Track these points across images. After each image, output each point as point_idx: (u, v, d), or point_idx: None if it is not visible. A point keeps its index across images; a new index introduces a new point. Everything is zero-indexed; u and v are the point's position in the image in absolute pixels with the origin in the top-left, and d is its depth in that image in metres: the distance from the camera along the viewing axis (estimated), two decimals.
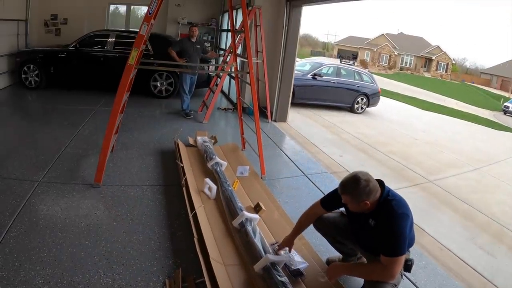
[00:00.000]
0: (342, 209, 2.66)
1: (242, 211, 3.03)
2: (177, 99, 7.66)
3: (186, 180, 3.60)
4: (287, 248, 2.72)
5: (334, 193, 2.55)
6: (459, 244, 3.65)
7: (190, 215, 3.11)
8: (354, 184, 2.20)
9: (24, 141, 5.29)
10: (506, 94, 39.50)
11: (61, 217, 3.27)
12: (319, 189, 4.48)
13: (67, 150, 4.93)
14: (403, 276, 2.50)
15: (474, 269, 3.29)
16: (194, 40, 6.93)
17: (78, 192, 3.76)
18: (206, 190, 3.47)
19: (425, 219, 4.12)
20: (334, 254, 3.03)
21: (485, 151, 9.12)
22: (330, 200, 2.62)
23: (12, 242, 2.87)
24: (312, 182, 4.58)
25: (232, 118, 7.74)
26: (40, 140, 5.21)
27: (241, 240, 2.83)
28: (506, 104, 28.18)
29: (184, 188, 3.55)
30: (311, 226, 2.82)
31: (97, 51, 8.30)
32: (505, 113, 26.55)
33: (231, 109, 8.10)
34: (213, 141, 4.93)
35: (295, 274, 2.66)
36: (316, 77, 10.75)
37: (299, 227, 2.75)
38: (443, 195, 5.06)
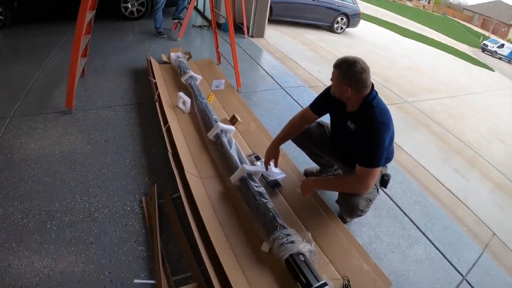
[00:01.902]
0: (320, 119, 2.41)
1: (217, 122, 2.74)
2: (149, 19, 7.00)
3: (159, 95, 3.26)
4: (272, 161, 2.46)
5: (323, 94, 2.28)
6: (434, 164, 3.59)
7: (164, 129, 2.83)
8: (351, 63, 1.94)
9: None
10: (486, 33, 38.88)
11: (35, 148, 3.00)
12: (296, 102, 4.22)
13: (37, 82, 4.49)
14: (379, 191, 2.33)
15: (448, 189, 3.23)
16: None
17: (50, 121, 3.46)
18: (180, 105, 3.16)
19: (402, 137, 4.03)
20: (312, 165, 2.84)
21: (463, 82, 8.97)
22: (319, 103, 2.32)
23: None
24: (290, 95, 4.30)
25: (207, 35, 7.18)
26: (8, 78, 4.74)
27: (216, 152, 2.59)
28: (485, 42, 27.96)
29: (157, 104, 3.22)
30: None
31: None
32: (483, 51, 26.41)
33: (206, 26, 7.50)
34: (187, 56, 4.52)
35: (273, 185, 2.48)
36: None
37: (286, 134, 2.45)
38: (420, 117, 4.97)
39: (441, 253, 2.49)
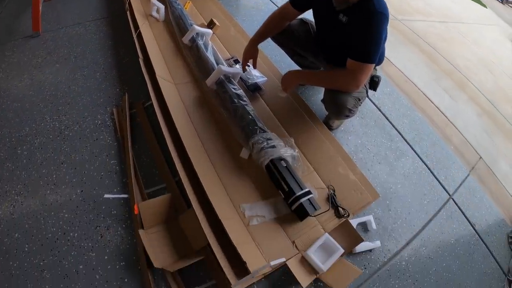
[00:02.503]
0: (304, 16, 2.14)
1: (192, 26, 2.46)
2: None
3: (130, 3, 2.93)
4: (251, 63, 2.21)
5: None
6: (423, 81, 3.37)
7: (134, 35, 2.55)
8: None
9: None
10: None
11: (3, 77, 2.78)
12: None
13: (2, 11, 4.11)
14: (368, 94, 2.14)
15: (437, 107, 3.05)
16: None
17: (18, 47, 3.18)
18: (154, 13, 2.86)
19: (392, 51, 3.72)
20: (295, 68, 2.61)
21: (455, 11, 8.40)
22: None
23: None
24: (273, 3, 3.91)
25: None
26: None
27: (192, 57, 2.34)
28: None
29: (128, 13, 2.91)
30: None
31: None
32: None
33: None
34: None
35: (253, 89, 2.29)
36: None
37: (264, 32, 2.16)
38: (410, 35, 4.64)
39: (429, 168, 2.39)
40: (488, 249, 2.17)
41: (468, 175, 2.49)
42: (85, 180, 2.03)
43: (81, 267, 1.73)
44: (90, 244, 1.80)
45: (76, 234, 1.83)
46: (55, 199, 1.97)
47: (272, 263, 1.50)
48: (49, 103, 2.47)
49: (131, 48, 2.69)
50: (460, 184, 2.40)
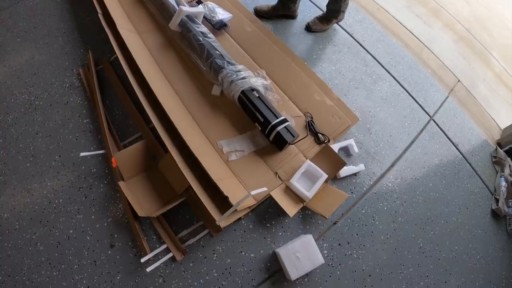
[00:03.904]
0: None
1: None
2: None
3: None
4: (213, 3, 2.11)
5: None
6: (396, 9, 3.23)
7: None
8: None
9: None
10: None
11: None
12: None
13: None
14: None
15: (411, 32, 2.93)
16: None
17: None
18: None
19: None
20: (261, 3, 2.52)
21: None
22: None
23: None
24: None
25: None
26: None
27: (153, 5, 2.21)
28: None
29: None
30: None
31: None
32: None
33: None
34: None
35: (219, 26, 2.19)
36: None
37: None
38: None
39: (407, 91, 2.34)
40: (473, 169, 2.16)
41: (448, 97, 2.44)
42: (62, 144, 1.98)
43: (71, 231, 1.73)
44: (76, 207, 1.79)
45: (61, 200, 1.81)
46: (35, 170, 1.93)
47: (253, 192, 1.46)
48: (15, 78, 2.37)
49: (90, 8, 2.56)
50: (440, 106, 2.36)
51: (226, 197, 1.48)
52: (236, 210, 1.48)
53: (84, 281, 1.61)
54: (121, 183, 1.64)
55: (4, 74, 2.44)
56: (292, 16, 2.49)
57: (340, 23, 2.50)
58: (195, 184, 1.52)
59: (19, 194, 1.87)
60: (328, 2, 2.33)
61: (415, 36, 2.90)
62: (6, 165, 1.97)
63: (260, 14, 2.44)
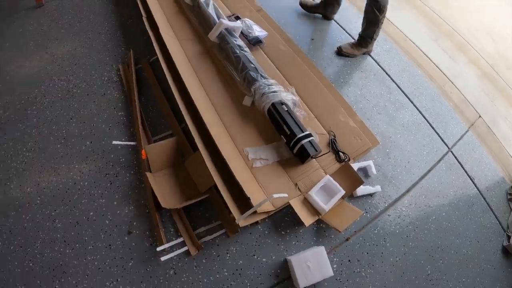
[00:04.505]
0: None
1: None
2: None
3: None
4: (249, 19, 2.26)
5: None
6: (422, 41, 3.30)
7: None
8: None
9: None
10: None
11: (9, 44, 2.79)
12: None
13: None
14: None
15: (435, 65, 3.00)
16: None
17: (22, 18, 3.16)
18: None
19: (392, 10, 3.60)
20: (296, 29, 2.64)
21: None
22: None
23: None
24: None
25: None
26: None
27: (193, 15, 2.36)
28: None
29: None
30: None
31: None
32: None
33: None
34: None
35: (254, 42, 2.30)
36: None
37: None
38: None
39: (428, 122, 2.40)
40: (487, 204, 2.18)
41: (467, 131, 2.49)
42: (94, 132, 2.08)
43: (91, 213, 1.80)
44: (99, 191, 1.86)
45: (86, 183, 1.89)
46: (65, 151, 2.02)
47: (275, 195, 1.53)
48: (56, 65, 2.50)
49: (134, 11, 2.71)
50: (459, 139, 2.41)
51: (248, 198, 1.56)
52: (255, 212, 1.55)
53: (96, 263, 1.67)
54: (148, 174, 1.73)
55: (46, 60, 2.56)
56: (328, 18, 2.79)
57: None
58: (220, 183, 1.60)
59: (46, 172, 1.95)
60: (362, 29, 2.45)
61: (439, 69, 2.97)
62: (36, 143, 2.06)
63: (303, 6, 2.74)
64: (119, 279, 1.63)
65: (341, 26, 2.82)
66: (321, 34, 2.72)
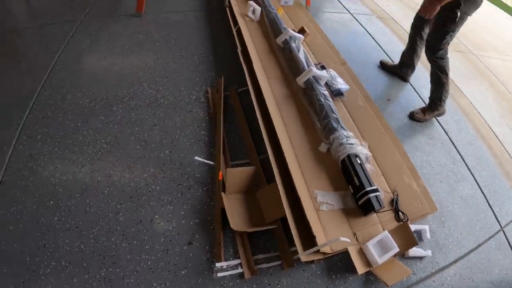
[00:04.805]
0: None
1: (286, 29, 2.68)
2: None
3: (229, 1, 3.21)
4: (334, 71, 2.47)
5: None
6: (491, 117, 3.36)
7: (234, 30, 2.82)
8: None
9: None
10: None
11: (106, 44, 3.09)
12: (364, 28, 3.93)
13: None
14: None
15: (501, 143, 3.04)
16: None
17: (119, 22, 3.48)
18: (250, 13, 3.11)
19: (463, 83, 3.75)
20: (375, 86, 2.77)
21: None
22: None
23: (59, 73, 2.73)
24: (357, 21, 4.05)
25: None
26: None
27: (284, 57, 2.56)
28: None
29: (227, 9, 3.18)
30: None
31: None
32: None
33: None
34: None
35: (336, 94, 2.46)
36: None
37: None
38: (484, 70, 4.56)
39: (486, 198, 2.45)
40: None
41: None
42: (175, 143, 2.24)
43: (156, 216, 1.89)
44: (169, 199, 1.96)
45: (158, 188, 2.00)
46: (143, 153, 2.16)
47: (342, 238, 1.66)
48: (147, 73, 2.72)
49: (227, 40, 2.96)
50: None
51: (314, 236, 1.69)
52: (317, 251, 1.67)
53: (149, 263, 1.72)
54: (223, 194, 1.88)
55: (138, 65, 2.78)
56: (404, 79, 2.99)
57: (439, 118, 2.72)
58: (290, 217, 1.74)
59: (120, 167, 2.07)
60: (430, 92, 2.58)
61: (505, 149, 3.01)
62: (116, 138, 2.22)
63: (382, 66, 2.99)
64: (167, 283, 1.68)
65: (415, 90, 2.96)
66: (397, 95, 2.88)
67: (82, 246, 1.74)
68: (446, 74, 2.55)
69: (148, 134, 2.28)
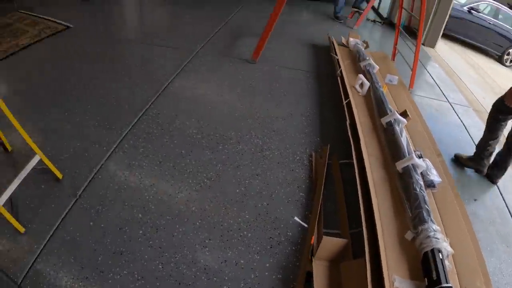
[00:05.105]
0: None
1: (392, 111, 2.94)
2: (329, 3, 7.11)
3: (341, 71, 3.55)
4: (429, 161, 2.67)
5: None
6: None
7: (344, 102, 3.12)
8: None
9: (179, 21, 5.52)
10: None
11: (219, 82, 3.46)
12: (461, 120, 4.01)
13: (218, 32, 5.00)
14: None
15: None
16: None
17: (234, 63, 3.92)
18: (357, 86, 3.42)
19: None
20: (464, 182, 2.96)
21: None
22: None
23: (172, 94, 3.16)
24: (455, 111, 4.17)
25: (380, 30, 7.07)
26: (191, 24, 5.31)
27: (386, 138, 2.78)
28: None
29: (339, 79, 3.52)
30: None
31: None
32: None
33: (380, 22, 7.44)
34: (364, 45, 4.66)
35: (428, 184, 2.60)
36: (472, 11, 9.14)
37: None
38: None
39: None
40: None
41: None
42: (273, 197, 2.34)
43: (242, 261, 1.92)
44: (258, 248, 2.01)
45: (249, 235, 2.07)
46: (241, 199, 2.26)
47: None
48: (256, 122, 3.02)
49: (335, 109, 3.20)
50: None
51: None
52: None
53: None
54: (314, 260, 2.06)
55: (248, 111, 3.09)
56: (480, 171, 3.05)
57: None
58: None
59: (216, 204, 2.18)
60: None
61: None
62: (218, 177, 2.37)
63: (458, 160, 3.12)
64: None
65: (501, 194, 3.04)
66: (484, 197, 2.97)
67: (160, 267, 1.81)
68: None
69: (249, 182, 2.41)
